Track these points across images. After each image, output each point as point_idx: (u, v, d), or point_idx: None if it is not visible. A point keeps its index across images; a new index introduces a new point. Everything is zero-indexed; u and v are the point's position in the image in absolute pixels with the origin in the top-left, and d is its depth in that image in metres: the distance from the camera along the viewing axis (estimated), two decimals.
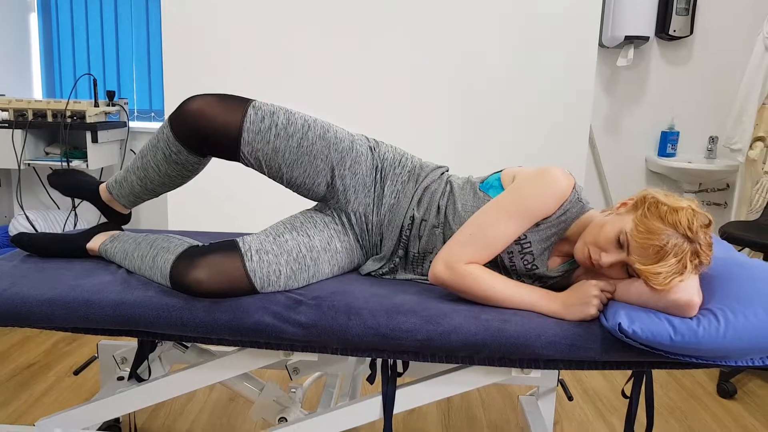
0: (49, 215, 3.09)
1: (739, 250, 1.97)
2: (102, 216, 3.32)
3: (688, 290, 1.07)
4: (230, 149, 1.27)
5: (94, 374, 2.22)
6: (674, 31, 3.09)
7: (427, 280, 1.36)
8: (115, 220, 1.54)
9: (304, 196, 1.36)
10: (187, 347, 1.61)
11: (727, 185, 3.32)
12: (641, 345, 1.07)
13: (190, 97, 1.27)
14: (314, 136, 1.28)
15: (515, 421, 2.02)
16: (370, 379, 1.37)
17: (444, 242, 1.31)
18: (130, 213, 1.56)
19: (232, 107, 1.25)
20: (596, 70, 3.17)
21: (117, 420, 1.82)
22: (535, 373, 1.22)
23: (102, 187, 1.51)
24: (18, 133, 2.84)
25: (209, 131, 1.25)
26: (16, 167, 2.86)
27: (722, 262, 1.19)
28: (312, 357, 1.29)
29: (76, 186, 1.53)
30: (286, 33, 2.33)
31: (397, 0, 2.32)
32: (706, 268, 1.13)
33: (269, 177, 1.32)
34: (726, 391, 2.20)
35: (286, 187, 1.34)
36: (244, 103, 1.27)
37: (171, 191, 2.40)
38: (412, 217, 1.32)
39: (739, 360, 1.09)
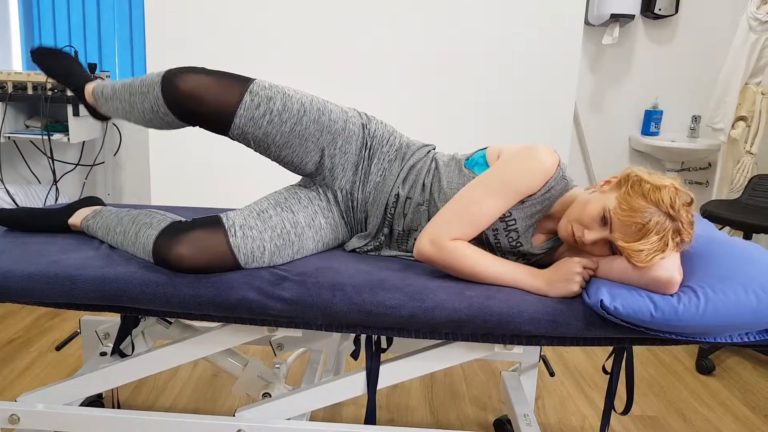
0: (30, 190, 3.04)
1: (719, 229, 2.00)
2: (84, 189, 3.28)
3: (669, 268, 1.08)
4: (219, 129, 1.26)
5: (76, 350, 2.21)
6: (659, 9, 3.09)
7: (411, 256, 1.36)
8: (95, 116, 1.52)
9: (291, 171, 1.35)
10: (170, 323, 1.61)
11: (709, 164, 3.35)
12: (622, 321, 1.09)
13: (184, 70, 1.22)
14: (308, 121, 1.27)
15: (497, 396, 2.05)
16: (354, 355, 1.38)
17: (429, 220, 1.31)
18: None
19: (228, 90, 1.22)
20: (581, 47, 3.16)
21: (100, 395, 1.82)
22: (518, 349, 1.24)
23: (88, 91, 1.47)
24: None
25: (201, 112, 1.23)
26: None
27: (703, 240, 1.21)
28: (296, 333, 1.29)
29: (63, 73, 1.49)
30: (273, 5, 2.29)
31: None
32: (687, 246, 1.14)
33: (256, 152, 1.31)
34: (705, 367, 2.25)
35: (274, 161, 1.33)
36: (240, 86, 1.23)
37: (154, 165, 2.38)
38: (397, 195, 1.32)
39: (718, 337, 1.11)
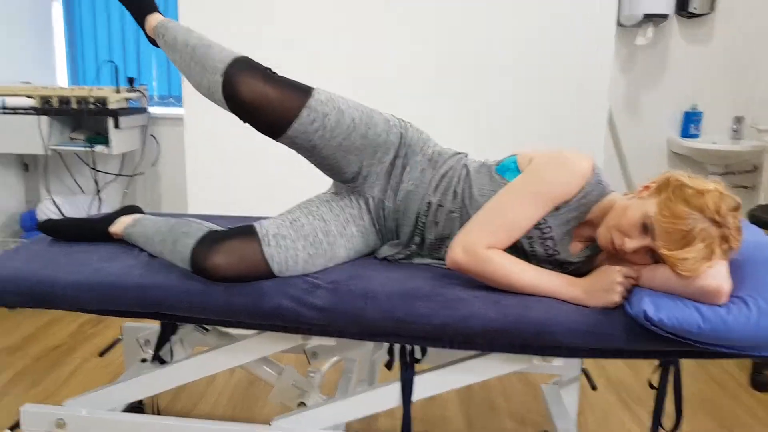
0: (75, 199, 3.14)
1: None
2: (125, 199, 3.36)
3: (717, 276, 1.04)
4: (269, 134, 1.27)
5: (118, 356, 2.26)
6: (694, 8, 2.99)
7: (444, 264, 1.34)
8: (153, 44, 1.50)
9: (326, 175, 1.36)
10: (207, 330, 1.63)
11: (755, 167, 3.22)
12: (668, 333, 1.05)
13: (247, 73, 1.22)
14: (356, 137, 1.27)
15: (537, 410, 2.00)
16: (388, 365, 1.37)
17: (461, 227, 1.29)
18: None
19: (287, 104, 1.22)
20: (614, 49, 3.09)
21: (140, 401, 1.85)
22: (557, 362, 1.21)
23: (150, 24, 1.46)
24: (44, 119, 2.88)
25: (258, 120, 1.24)
26: (43, 153, 2.90)
27: (752, 247, 1.16)
28: (330, 341, 1.29)
29: None
30: (305, 14, 2.31)
31: None
32: (735, 254, 1.09)
33: (297, 153, 1.32)
34: (759, 382, 2.14)
35: (311, 164, 1.33)
36: (301, 99, 1.23)
37: (191, 175, 2.42)
38: (429, 203, 1.31)
39: None
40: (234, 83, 1.22)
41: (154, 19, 1.47)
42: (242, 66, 1.23)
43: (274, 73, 1.26)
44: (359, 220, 1.34)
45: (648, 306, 1.05)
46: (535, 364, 1.23)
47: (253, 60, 1.26)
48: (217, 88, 1.25)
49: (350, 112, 1.27)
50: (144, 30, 1.50)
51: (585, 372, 1.69)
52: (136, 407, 1.83)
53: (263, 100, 1.21)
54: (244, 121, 1.26)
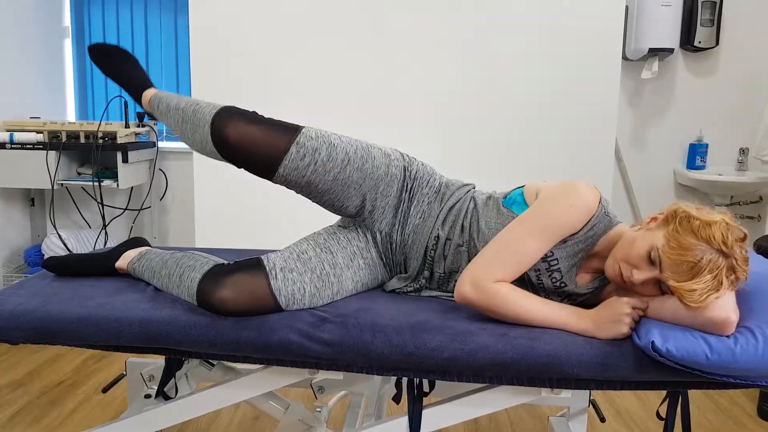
0: (81, 234, 3.15)
1: None
2: (131, 233, 3.37)
3: (725, 307, 1.03)
4: (263, 175, 1.29)
5: (122, 392, 2.24)
6: (699, 42, 3.05)
7: (452, 296, 1.34)
8: (151, 117, 1.56)
9: (331, 212, 1.37)
10: (213, 365, 1.61)
11: (760, 198, 3.23)
12: (676, 364, 1.04)
13: (233, 117, 1.24)
14: (351, 169, 1.28)
15: None
16: (396, 399, 1.36)
17: (469, 261, 1.29)
18: None
19: (275, 143, 1.24)
20: (620, 83, 3.13)
21: None
22: (566, 393, 1.19)
23: (146, 100, 1.51)
24: (52, 154, 2.91)
25: (248, 161, 1.26)
26: (50, 187, 2.93)
27: (759, 277, 1.15)
28: (337, 375, 1.28)
29: (119, 73, 1.53)
30: (312, 42, 2.36)
31: (420, 14, 2.33)
32: (742, 284, 1.09)
33: (298, 193, 1.33)
34: (767, 412, 2.12)
35: (314, 202, 1.35)
36: (288, 137, 1.25)
37: (198, 209, 2.43)
38: (437, 237, 1.31)
39: None
40: (221, 129, 1.24)
41: (148, 94, 1.54)
42: (228, 113, 1.26)
43: (261, 115, 1.28)
44: (366, 253, 1.34)
45: (656, 337, 1.05)
46: (543, 396, 1.21)
47: (238, 107, 1.29)
48: (207, 138, 1.28)
49: (343, 147, 1.28)
50: (141, 105, 1.57)
51: (593, 403, 1.67)
52: None
53: (250, 141, 1.23)
54: (239, 166, 1.28)
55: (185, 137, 1.38)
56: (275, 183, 1.30)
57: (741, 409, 2.21)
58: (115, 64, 1.56)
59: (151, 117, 1.57)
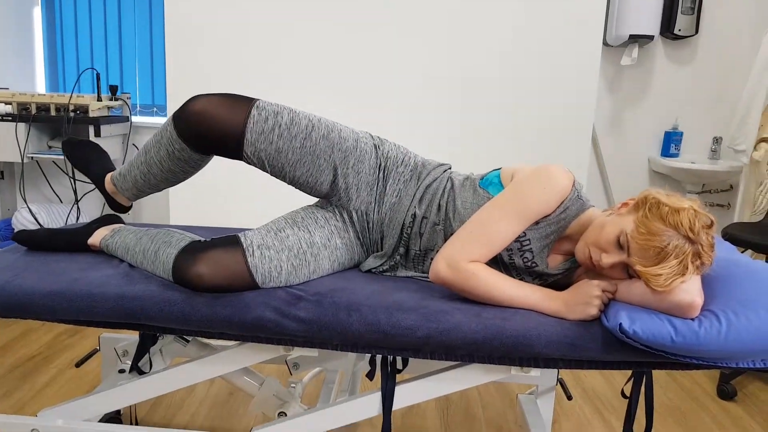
0: (52, 209, 3.10)
1: (741, 252, 1.97)
2: (105, 208, 3.33)
3: (690, 291, 1.07)
4: (233, 149, 1.27)
5: (95, 367, 2.23)
6: (679, 30, 3.08)
7: (427, 277, 1.36)
8: (117, 209, 1.56)
9: (307, 194, 1.36)
10: (188, 341, 1.62)
11: (731, 186, 3.31)
12: (642, 345, 1.07)
13: (193, 97, 1.26)
14: (318, 136, 1.28)
15: (514, 419, 2.02)
16: (370, 376, 1.38)
17: (445, 240, 1.31)
18: (131, 204, 1.58)
19: (235, 108, 1.25)
20: (600, 68, 3.16)
21: (118, 412, 1.83)
22: (535, 372, 1.23)
23: (107, 179, 1.52)
24: (21, 126, 2.85)
25: (212, 132, 1.25)
26: (20, 160, 2.86)
27: (725, 263, 1.19)
28: (312, 352, 1.29)
29: (87, 164, 1.55)
30: (288, 29, 2.33)
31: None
32: (708, 269, 1.13)
33: (272, 175, 1.32)
34: (726, 392, 2.20)
35: (289, 184, 1.34)
36: (247, 103, 1.26)
37: (173, 186, 2.41)
38: (414, 215, 1.32)
39: (740, 362, 1.09)
40: (182, 109, 1.26)
41: (109, 176, 1.52)
42: (189, 99, 1.27)
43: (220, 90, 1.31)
44: (344, 232, 1.35)
45: (624, 319, 1.08)
46: (513, 375, 1.25)
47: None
48: (172, 135, 1.29)
49: (305, 114, 1.30)
50: (104, 191, 1.54)
51: (561, 382, 1.72)
52: (114, 418, 1.81)
53: (211, 109, 1.24)
54: (207, 149, 1.28)
55: (152, 170, 1.38)
56: (248, 161, 1.29)
57: (702, 389, 2.29)
58: (83, 152, 1.58)
59: (114, 206, 1.57)
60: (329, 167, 1.30)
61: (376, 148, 1.35)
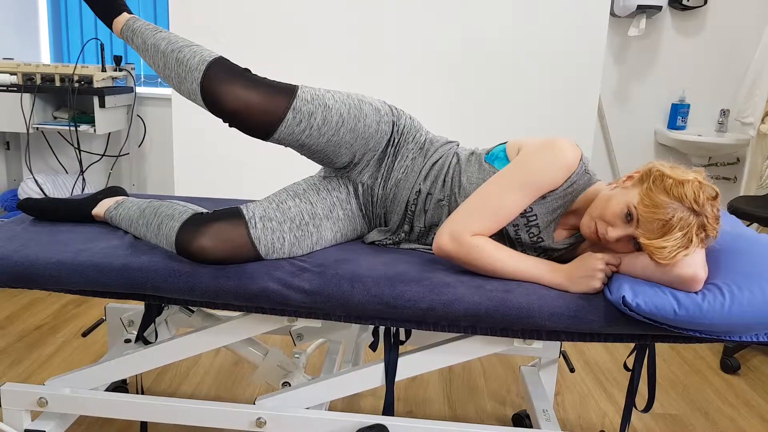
0: (58, 179, 3.11)
1: (747, 225, 1.96)
2: (110, 179, 3.33)
3: (693, 265, 1.06)
4: (259, 137, 1.27)
5: (101, 336, 2.25)
6: (688, 1, 3.02)
7: (431, 249, 1.36)
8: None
9: (317, 164, 1.36)
10: (192, 311, 1.63)
11: (738, 159, 3.28)
12: (645, 318, 1.07)
13: (226, 80, 1.20)
14: (345, 131, 1.27)
15: (516, 391, 2.04)
16: (373, 347, 1.39)
17: (449, 215, 1.31)
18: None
19: (271, 109, 1.21)
20: (607, 39, 3.11)
21: (124, 381, 1.86)
22: (537, 344, 1.23)
23: (117, 25, 1.41)
24: (26, 97, 2.84)
25: (242, 126, 1.24)
26: (25, 131, 2.86)
27: (730, 236, 1.19)
28: (315, 323, 1.30)
29: None
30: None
31: None
32: (712, 242, 1.12)
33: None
34: (729, 366, 2.21)
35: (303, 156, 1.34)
36: (284, 102, 1.22)
37: (178, 156, 2.40)
38: (418, 191, 1.32)
39: (743, 335, 1.09)
40: (215, 93, 1.20)
41: (120, 22, 1.43)
42: (218, 71, 1.21)
43: (254, 75, 1.24)
44: (346, 204, 1.35)
45: (627, 292, 1.08)
46: (515, 347, 1.25)
47: (227, 62, 1.24)
48: (197, 94, 1.24)
49: (338, 108, 1.26)
50: (113, 31, 1.46)
51: (564, 354, 1.73)
52: (120, 387, 1.84)
53: (246, 107, 1.20)
54: (230, 125, 1.26)
55: (168, 80, 1.32)
56: (267, 142, 1.28)
57: (705, 362, 2.30)
58: None
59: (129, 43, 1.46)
60: (348, 153, 1.30)
61: (393, 124, 1.33)
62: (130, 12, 1.45)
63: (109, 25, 1.45)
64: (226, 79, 1.21)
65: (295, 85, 1.26)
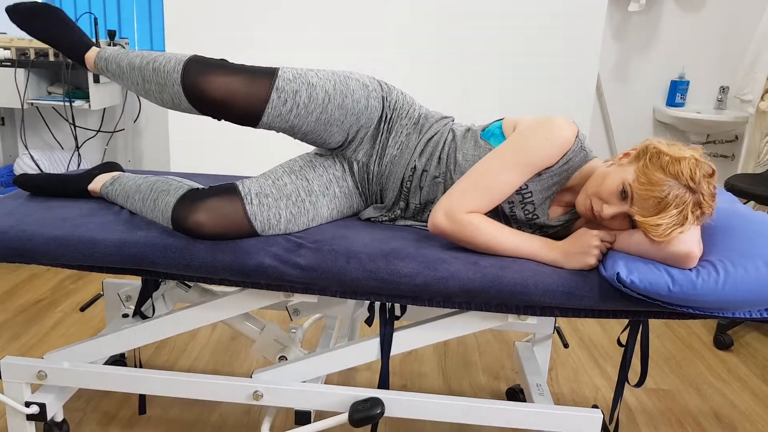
0: (54, 155, 3.09)
1: (744, 203, 1.96)
2: (105, 155, 3.31)
3: (688, 242, 1.07)
4: (247, 124, 1.25)
5: (100, 311, 2.27)
6: None
7: (426, 226, 1.36)
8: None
9: (312, 146, 1.35)
10: (189, 287, 1.64)
11: (736, 137, 3.27)
12: (639, 295, 1.08)
13: (205, 71, 1.18)
14: (333, 107, 1.25)
15: (510, 366, 2.06)
16: (369, 322, 1.40)
17: (445, 192, 1.31)
18: None
19: (254, 91, 1.19)
20: (606, 14, 3.07)
21: (122, 355, 1.87)
22: (532, 320, 1.24)
23: (89, 60, 1.40)
24: (20, 72, 2.81)
25: (229, 116, 1.22)
26: (20, 106, 2.84)
27: (725, 213, 1.19)
28: (312, 299, 1.31)
29: (52, 36, 1.38)
30: None
31: None
32: (708, 219, 1.12)
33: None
34: (722, 342, 2.23)
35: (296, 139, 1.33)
36: (267, 83, 1.20)
37: (173, 133, 2.39)
38: (414, 168, 1.31)
39: (736, 312, 1.10)
40: (197, 87, 1.18)
41: (91, 56, 1.41)
42: (197, 67, 1.19)
43: (231, 63, 1.22)
44: (342, 181, 1.34)
45: (621, 268, 1.08)
46: (510, 322, 1.26)
47: (203, 57, 1.22)
48: (180, 97, 1.22)
49: (322, 84, 1.25)
50: (86, 68, 1.44)
51: (558, 330, 1.74)
52: (118, 361, 1.85)
53: (231, 94, 1.19)
54: (218, 119, 1.24)
55: (150, 96, 1.30)
56: (258, 128, 1.27)
57: (698, 338, 2.32)
58: (44, 23, 1.39)
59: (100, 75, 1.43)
60: (340, 131, 1.29)
61: (384, 99, 1.32)
62: (96, 44, 1.44)
63: (81, 62, 1.42)
64: (207, 72, 1.19)
65: (275, 67, 1.24)
